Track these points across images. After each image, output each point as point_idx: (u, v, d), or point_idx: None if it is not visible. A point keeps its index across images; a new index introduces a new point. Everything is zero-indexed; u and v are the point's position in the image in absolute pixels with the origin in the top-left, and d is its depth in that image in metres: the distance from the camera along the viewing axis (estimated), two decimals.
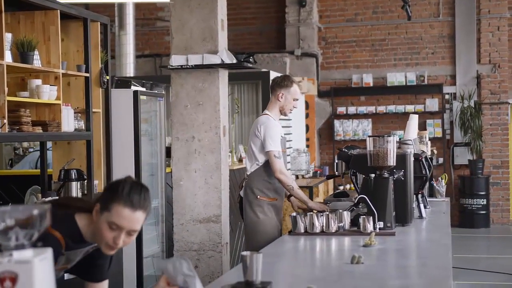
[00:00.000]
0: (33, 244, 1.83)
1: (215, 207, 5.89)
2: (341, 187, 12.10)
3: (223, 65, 5.90)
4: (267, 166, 5.21)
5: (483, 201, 12.33)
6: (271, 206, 5.25)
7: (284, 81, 5.36)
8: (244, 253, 2.78)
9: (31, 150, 8.41)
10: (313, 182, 9.67)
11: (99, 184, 5.91)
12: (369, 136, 4.52)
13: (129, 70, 10.63)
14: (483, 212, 12.36)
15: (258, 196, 5.24)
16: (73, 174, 5.51)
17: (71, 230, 2.68)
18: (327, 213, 4.38)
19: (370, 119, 12.95)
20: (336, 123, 13.01)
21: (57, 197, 4.80)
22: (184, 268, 2.73)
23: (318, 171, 11.45)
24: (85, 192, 5.67)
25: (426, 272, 3.19)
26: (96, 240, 2.70)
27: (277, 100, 5.34)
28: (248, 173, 5.35)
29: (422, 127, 12.33)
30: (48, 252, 1.84)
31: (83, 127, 5.64)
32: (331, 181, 11.54)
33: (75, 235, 2.69)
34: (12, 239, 1.79)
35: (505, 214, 12.73)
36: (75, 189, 5.53)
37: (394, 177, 4.50)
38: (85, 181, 5.64)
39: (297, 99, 5.39)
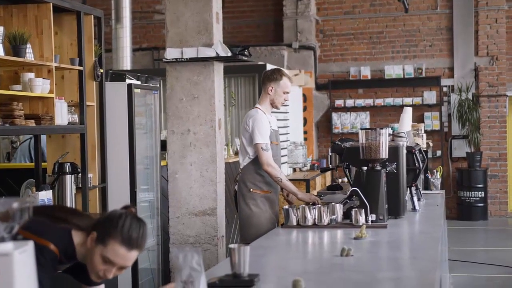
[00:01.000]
0: (13, 237, 1.84)
1: (210, 200, 5.89)
2: (339, 180, 12.12)
3: (218, 58, 5.89)
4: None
5: (481, 194, 12.34)
6: (264, 199, 5.26)
7: (274, 75, 5.37)
8: (232, 246, 2.79)
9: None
10: (310, 175, 9.67)
11: (93, 178, 5.91)
12: (362, 129, 4.52)
13: (126, 63, 10.62)
14: (481, 204, 12.37)
15: (251, 189, 5.26)
16: (67, 167, 5.51)
17: (66, 245, 2.66)
18: (319, 205, 4.39)
19: (368, 112, 12.94)
20: (334, 116, 13.01)
21: (53, 206, 4.65)
22: (193, 261, 2.74)
23: (316, 164, 11.45)
24: (80, 185, 5.67)
25: (413, 264, 3.19)
26: (86, 264, 2.69)
27: (267, 94, 5.36)
28: (241, 167, 5.37)
29: (420, 119, 12.33)
30: (29, 245, 1.84)
31: (77, 121, 5.63)
32: (328, 174, 11.55)
33: (69, 251, 2.67)
34: None
35: (503, 206, 12.73)
36: (69, 183, 5.52)
37: (386, 170, 4.51)
38: (79, 174, 5.64)
39: (287, 92, 5.38)
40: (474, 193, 12.34)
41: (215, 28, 6.03)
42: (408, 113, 5.56)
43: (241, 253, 2.78)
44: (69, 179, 5.53)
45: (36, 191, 5.38)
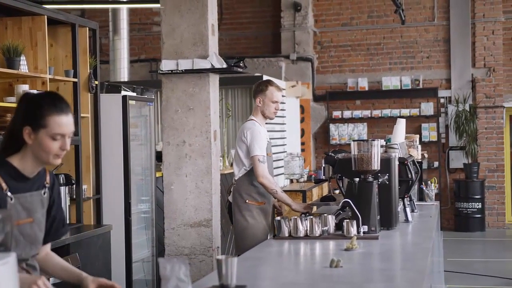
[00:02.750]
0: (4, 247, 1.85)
1: (206, 211, 5.90)
2: (337, 191, 12.11)
3: (213, 70, 5.91)
4: None
5: (478, 205, 12.34)
6: (259, 210, 5.29)
7: (259, 86, 5.47)
8: (219, 257, 2.80)
9: None
10: (307, 186, 9.68)
11: (87, 189, 5.93)
12: (354, 140, 4.54)
13: (123, 75, 10.66)
14: (479, 215, 12.37)
15: (247, 201, 5.29)
16: (62, 179, 5.53)
17: (7, 170, 2.72)
18: (311, 217, 4.39)
19: (365, 123, 12.96)
20: (332, 127, 13.03)
21: None
22: (181, 272, 2.75)
23: (313, 175, 11.46)
24: (74, 197, 5.68)
25: (402, 275, 3.20)
26: (39, 161, 2.75)
27: (257, 106, 5.43)
28: (235, 178, 5.40)
29: (417, 131, 12.35)
30: (12, 257, 1.85)
31: None
32: (325, 185, 11.55)
33: (14, 174, 2.72)
34: None
35: (500, 217, 12.73)
36: (64, 194, 5.54)
37: (378, 181, 4.51)
38: (74, 186, 5.66)
39: (276, 101, 5.41)
40: (472, 204, 12.33)
41: (211, 40, 6.05)
42: (401, 124, 5.58)
43: (228, 264, 2.79)
44: (63, 191, 5.54)
45: None
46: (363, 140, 4.52)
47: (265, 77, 10.12)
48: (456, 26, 12.76)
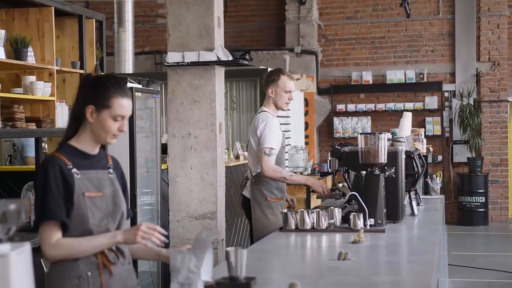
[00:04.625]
0: (11, 238, 1.85)
1: (211, 203, 5.90)
2: (340, 185, 12.12)
3: (219, 62, 5.91)
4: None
5: (481, 199, 12.34)
6: (280, 206, 5.24)
7: (271, 76, 5.36)
8: (229, 249, 2.80)
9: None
10: None
11: None
12: (361, 134, 4.53)
13: (128, 67, 10.64)
14: (482, 210, 12.37)
15: (268, 198, 5.21)
16: None
17: (69, 150, 2.84)
18: (318, 210, 4.39)
19: (369, 117, 12.96)
20: (336, 120, 13.02)
21: None
22: (192, 264, 2.76)
23: (317, 168, 11.46)
24: None
25: (410, 268, 3.20)
26: (97, 140, 2.87)
27: (269, 96, 5.34)
28: (253, 174, 5.30)
29: (421, 124, 12.34)
30: (26, 246, 1.86)
31: None
32: (329, 178, 11.55)
33: (76, 153, 2.85)
34: None
35: (503, 212, 12.74)
36: None
37: (385, 174, 4.51)
38: None
39: (289, 91, 5.33)
40: (475, 198, 12.34)
41: (217, 32, 6.05)
42: (407, 118, 5.58)
43: (238, 256, 2.79)
44: None
45: None
46: (370, 133, 4.51)
47: (270, 70, 10.12)
48: (461, 20, 12.74)
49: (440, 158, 12.64)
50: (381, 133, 4.49)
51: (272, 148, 5.14)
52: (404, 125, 5.51)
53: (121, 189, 2.99)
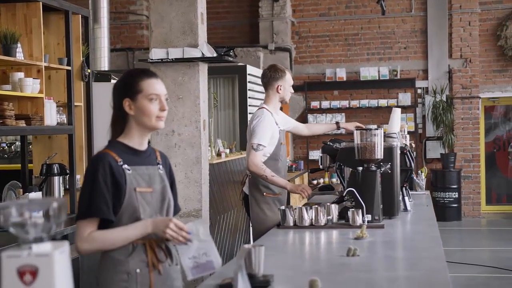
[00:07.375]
0: (52, 237, 1.81)
1: (195, 201, 5.87)
2: (321, 180, 12.16)
3: (203, 59, 5.87)
4: (271, 162, 5.17)
5: (455, 195, 12.48)
6: (277, 202, 5.22)
7: (278, 73, 5.37)
8: (247, 246, 2.77)
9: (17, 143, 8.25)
10: (288, 177, 9.67)
11: (81, 179, 5.85)
12: (357, 129, 4.53)
13: (104, 64, 10.51)
14: (455, 205, 12.51)
15: (264, 193, 5.20)
16: (56, 168, 5.44)
17: (118, 147, 2.88)
18: (316, 206, 4.38)
19: (343, 114, 13.00)
20: (310, 117, 13.05)
21: None
22: (200, 233, 2.75)
23: (294, 166, 11.48)
24: (67, 187, 5.60)
25: (423, 263, 3.20)
26: (144, 128, 2.89)
27: (276, 93, 5.33)
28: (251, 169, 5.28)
29: None
30: (66, 246, 1.81)
31: (65, 121, 5.57)
32: (305, 175, 11.58)
33: (125, 149, 2.88)
34: (30, 232, 1.77)
35: (476, 207, 12.89)
36: (57, 184, 5.46)
37: (381, 170, 4.52)
38: (67, 175, 5.58)
39: (291, 84, 5.46)
40: (448, 194, 12.47)
41: (200, 28, 6.01)
42: (397, 113, 5.60)
43: (256, 253, 2.77)
44: (57, 181, 5.47)
45: (23, 193, 5.31)
46: (366, 129, 4.51)
47: (249, 67, 10.10)
48: (433, 17, 12.85)
49: (414, 154, 12.72)
50: (377, 129, 4.50)
51: (260, 144, 5.12)
52: (394, 120, 5.53)
53: (169, 185, 3.00)
